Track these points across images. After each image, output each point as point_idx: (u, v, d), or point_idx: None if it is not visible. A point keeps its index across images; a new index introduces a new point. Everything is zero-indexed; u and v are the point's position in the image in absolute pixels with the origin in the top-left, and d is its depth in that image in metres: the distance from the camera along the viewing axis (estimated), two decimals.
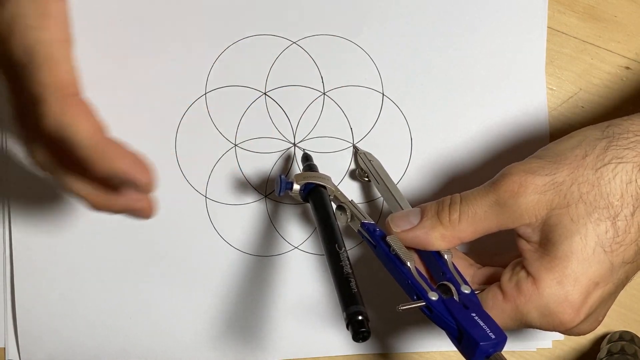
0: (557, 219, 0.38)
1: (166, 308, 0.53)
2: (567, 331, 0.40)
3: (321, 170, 0.50)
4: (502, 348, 0.37)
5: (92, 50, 0.52)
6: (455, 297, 0.39)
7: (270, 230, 0.53)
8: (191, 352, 0.53)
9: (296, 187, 0.46)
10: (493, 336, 0.36)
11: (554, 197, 0.39)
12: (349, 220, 0.46)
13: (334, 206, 0.47)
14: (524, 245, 0.40)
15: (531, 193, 0.39)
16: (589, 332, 0.41)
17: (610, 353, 0.50)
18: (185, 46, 0.52)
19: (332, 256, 0.40)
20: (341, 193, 0.47)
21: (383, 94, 0.53)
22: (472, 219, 0.40)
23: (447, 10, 0.53)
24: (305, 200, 0.47)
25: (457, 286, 0.40)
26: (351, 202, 0.46)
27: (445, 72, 0.53)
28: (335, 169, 0.52)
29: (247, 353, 0.53)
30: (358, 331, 0.35)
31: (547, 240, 0.39)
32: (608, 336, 0.52)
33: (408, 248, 0.42)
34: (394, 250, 0.41)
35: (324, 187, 0.47)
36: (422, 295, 0.39)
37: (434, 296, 0.38)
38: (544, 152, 0.41)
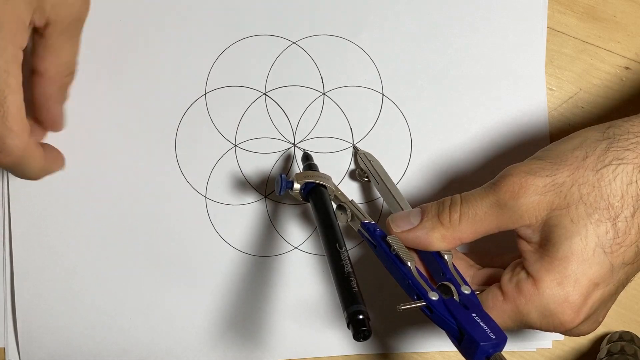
0: (557, 219, 0.38)
1: (166, 308, 0.53)
2: (567, 332, 0.40)
3: (321, 170, 0.50)
4: (503, 348, 0.37)
5: (92, 51, 0.52)
6: (456, 297, 0.39)
7: (270, 230, 0.53)
8: (191, 352, 0.53)
9: (297, 186, 0.46)
10: (493, 336, 0.36)
11: (554, 198, 0.39)
12: (349, 220, 0.46)
13: (334, 206, 0.47)
14: (524, 246, 0.40)
15: (531, 194, 0.39)
16: (589, 333, 0.41)
17: (610, 353, 0.50)
18: (185, 46, 0.52)
19: (333, 256, 0.40)
20: (341, 193, 0.47)
21: (383, 94, 0.53)
22: (473, 220, 0.40)
23: (447, 10, 0.53)
24: (306, 199, 0.47)
25: (457, 286, 0.40)
26: (351, 201, 0.46)
27: (445, 72, 0.53)
28: (335, 169, 0.52)
29: (247, 353, 0.53)
30: (359, 330, 0.35)
31: (547, 241, 0.39)
32: (608, 336, 0.52)
33: (408, 248, 0.42)
34: (394, 250, 0.41)
35: (325, 186, 0.47)
36: (423, 295, 0.39)
37: (434, 296, 0.38)
38: (544, 153, 0.41)
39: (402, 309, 0.38)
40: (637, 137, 0.39)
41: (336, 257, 0.39)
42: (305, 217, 0.53)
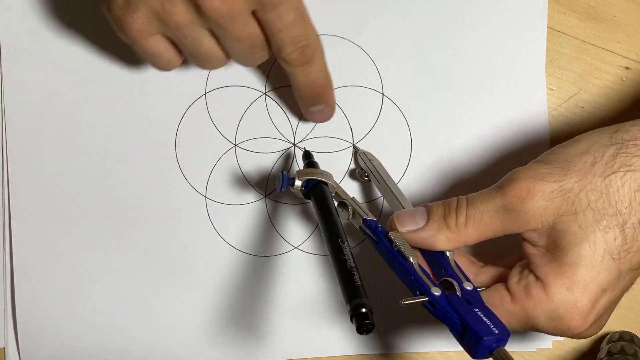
0: (565, 225, 0.38)
1: (166, 308, 0.53)
2: (573, 336, 0.40)
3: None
4: (506, 343, 0.37)
5: (92, 50, 0.52)
6: (458, 292, 0.39)
7: (270, 230, 0.53)
8: (191, 352, 0.53)
9: (298, 183, 0.46)
10: (496, 331, 0.36)
11: (562, 204, 0.39)
12: (350, 217, 0.46)
13: (336, 203, 0.46)
14: (530, 249, 0.40)
15: (539, 199, 0.39)
16: (591, 336, 0.41)
17: (610, 353, 0.50)
18: None
19: (335, 251, 0.39)
20: (343, 190, 0.47)
21: (383, 94, 0.53)
22: (478, 224, 0.40)
23: (447, 10, 0.52)
24: (307, 197, 0.47)
25: (459, 282, 0.40)
26: (353, 199, 0.46)
27: (445, 72, 0.53)
28: (335, 169, 0.52)
29: (247, 353, 0.53)
30: (362, 323, 0.35)
31: (555, 246, 0.39)
32: (608, 336, 0.52)
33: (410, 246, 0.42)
34: (396, 246, 0.41)
35: (326, 183, 0.47)
36: (425, 291, 0.39)
37: (436, 291, 0.38)
38: (551, 156, 0.41)
39: (405, 304, 0.38)
40: None
41: (339, 252, 0.39)
42: (305, 217, 0.53)
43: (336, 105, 0.53)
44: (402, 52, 0.53)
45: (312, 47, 0.45)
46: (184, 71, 0.52)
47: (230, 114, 0.53)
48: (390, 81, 0.53)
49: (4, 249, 0.52)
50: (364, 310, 0.35)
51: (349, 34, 0.53)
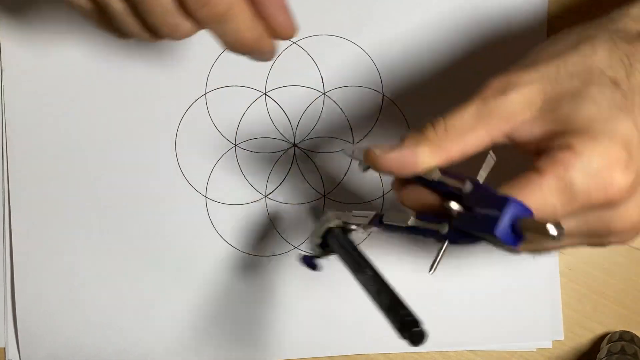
0: (557, 100, 0.36)
1: (166, 308, 0.53)
2: (620, 200, 0.36)
3: (321, 170, 0.50)
4: (531, 215, 0.33)
5: (92, 50, 0.52)
6: (461, 209, 0.35)
7: (270, 230, 0.53)
8: (191, 352, 0.53)
9: (321, 263, 0.44)
10: (512, 203, 0.32)
11: (546, 85, 0.37)
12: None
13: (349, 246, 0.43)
14: (532, 147, 0.37)
15: (521, 86, 0.37)
16: (638, 224, 0.37)
17: (610, 353, 0.50)
18: (185, 46, 0.52)
19: (366, 274, 0.37)
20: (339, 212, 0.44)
21: (383, 94, 0.53)
22: (460, 130, 0.37)
23: (447, 10, 0.53)
24: (331, 251, 0.43)
25: (457, 197, 0.36)
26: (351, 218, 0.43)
27: (445, 72, 0.53)
28: (335, 169, 0.52)
29: (247, 353, 0.53)
30: (413, 332, 0.34)
31: (559, 119, 0.36)
32: (608, 336, 0.52)
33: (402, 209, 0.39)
34: (388, 218, 0.38)
35: (330, 230, 0.43)
36: (435, 236, 0.35)
37: (443, 229, 0.35)
38: (522, 61, 0.40)
39: (433, 272, 0.35)
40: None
41: (370, 275, 0.37)
42: (305, 217, 0.53)
43: (336, 105, 0.53)
44: (402, 52, 0.53)
45: (225, 3, 0.36)
46: (184, 71, 0.52)
47: (230, 114, 0.53)
48: (390, 81, 0.53)
49: (4, 249, 0.52)
50: (411, 318, 0.34)
51: (349, 34, 0.53)
